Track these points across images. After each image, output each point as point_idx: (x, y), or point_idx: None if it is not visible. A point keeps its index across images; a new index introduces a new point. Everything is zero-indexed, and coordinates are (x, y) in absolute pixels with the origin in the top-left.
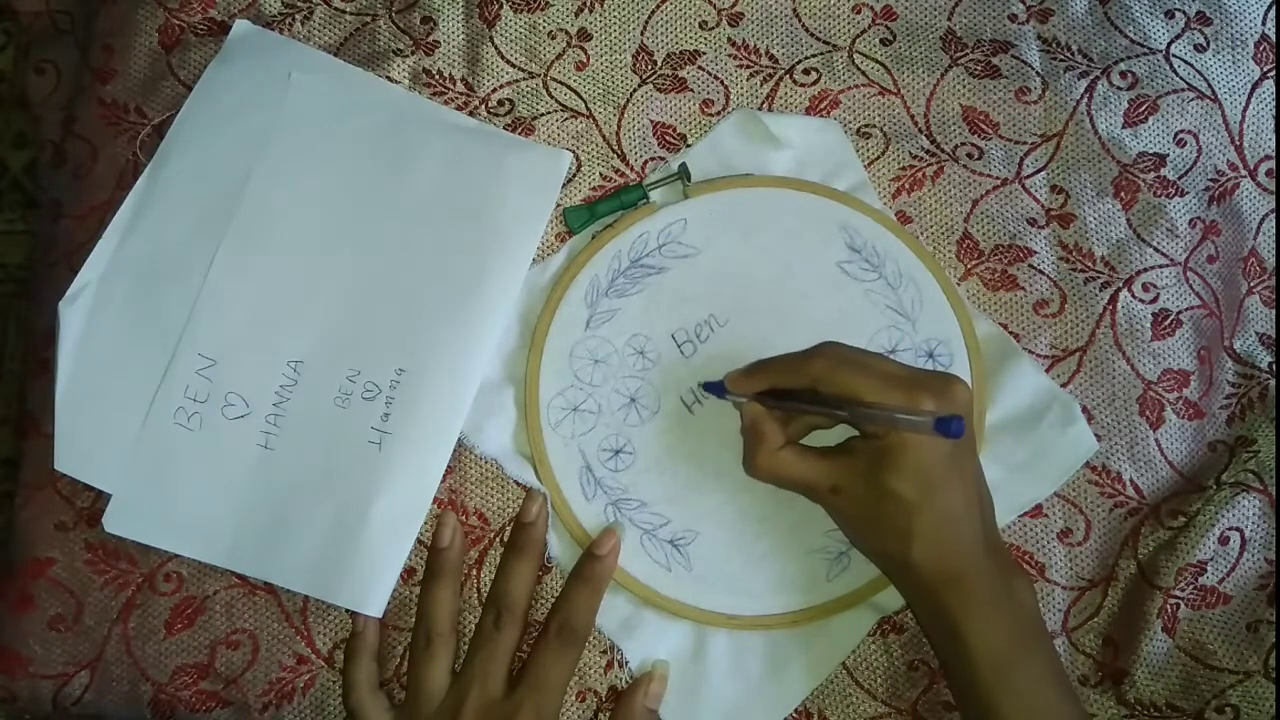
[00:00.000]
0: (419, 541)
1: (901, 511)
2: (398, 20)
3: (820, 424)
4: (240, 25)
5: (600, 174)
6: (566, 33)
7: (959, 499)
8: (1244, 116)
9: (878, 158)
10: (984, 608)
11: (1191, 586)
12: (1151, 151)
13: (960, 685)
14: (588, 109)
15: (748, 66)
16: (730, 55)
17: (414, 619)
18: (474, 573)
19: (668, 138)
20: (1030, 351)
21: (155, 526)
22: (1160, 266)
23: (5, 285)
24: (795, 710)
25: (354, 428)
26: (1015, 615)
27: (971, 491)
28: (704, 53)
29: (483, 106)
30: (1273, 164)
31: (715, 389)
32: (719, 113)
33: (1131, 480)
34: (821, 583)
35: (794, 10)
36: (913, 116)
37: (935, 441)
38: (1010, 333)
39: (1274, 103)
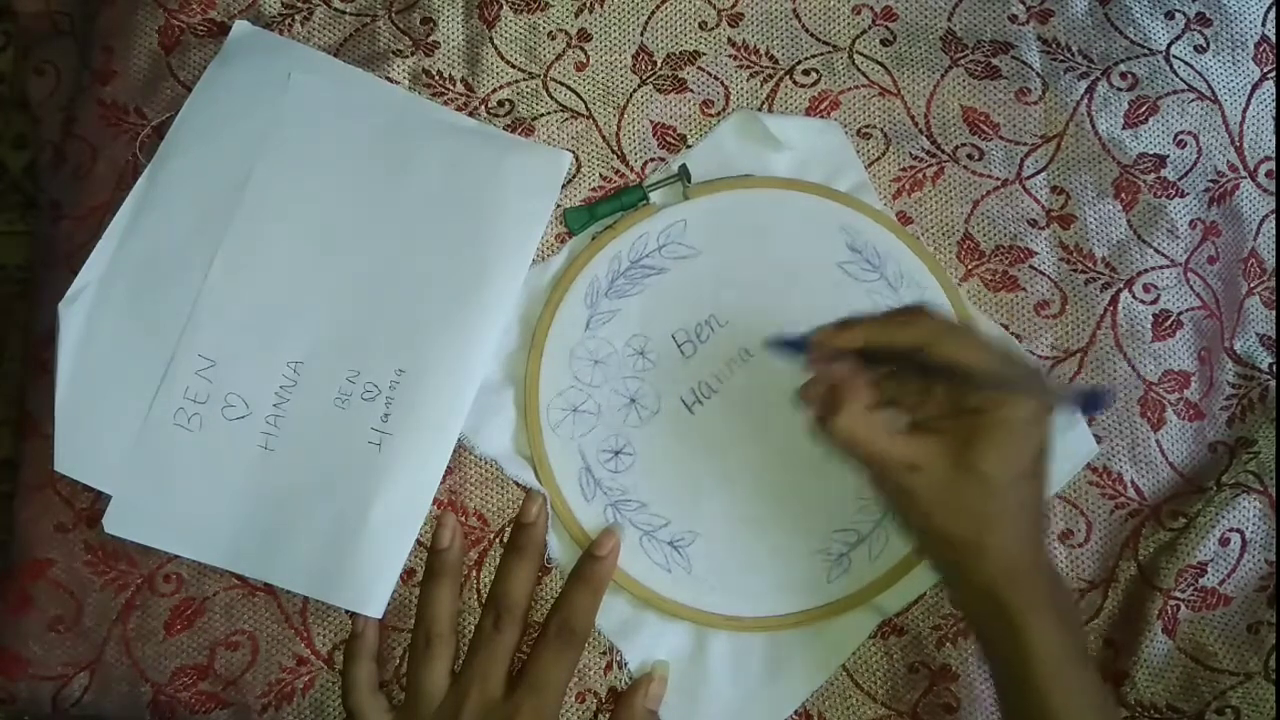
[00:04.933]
0: (419, 542)
1: (984, 495)
2: (397, 21)
3: (900, 396)
4: (240, 26)
5: (600, 175)
6: (566, 33)
7: (1038, 495)
8: (1244, 117)
9: (878, 158)
10: (1044, 605)
11: (1192, 588)
12: (1152, 152)
13: (1012, 683)
14: (588, 110)
15: (748, 67)
16: (730, 56)
17: (414, 620)
18: (474, 574)
19: (668, 138)
20: (1031, 352)
21: (155, 527)
22: (1161, 267)
23: (5, 285)
24: (795, 712)
25: (354, 428)
26: (1073, 616)
27: (1043, 490)
28: (704, 53)
29: (482, 107)
30: (1273, 165)
31: (791, 346)
32: (719, 113)
33: (1132, 481)
34: (822, 584)
35: (794, 11)
36: (913, 117)
37: (1035, 429)
38: (1011, 333)
39: (1274, 104)
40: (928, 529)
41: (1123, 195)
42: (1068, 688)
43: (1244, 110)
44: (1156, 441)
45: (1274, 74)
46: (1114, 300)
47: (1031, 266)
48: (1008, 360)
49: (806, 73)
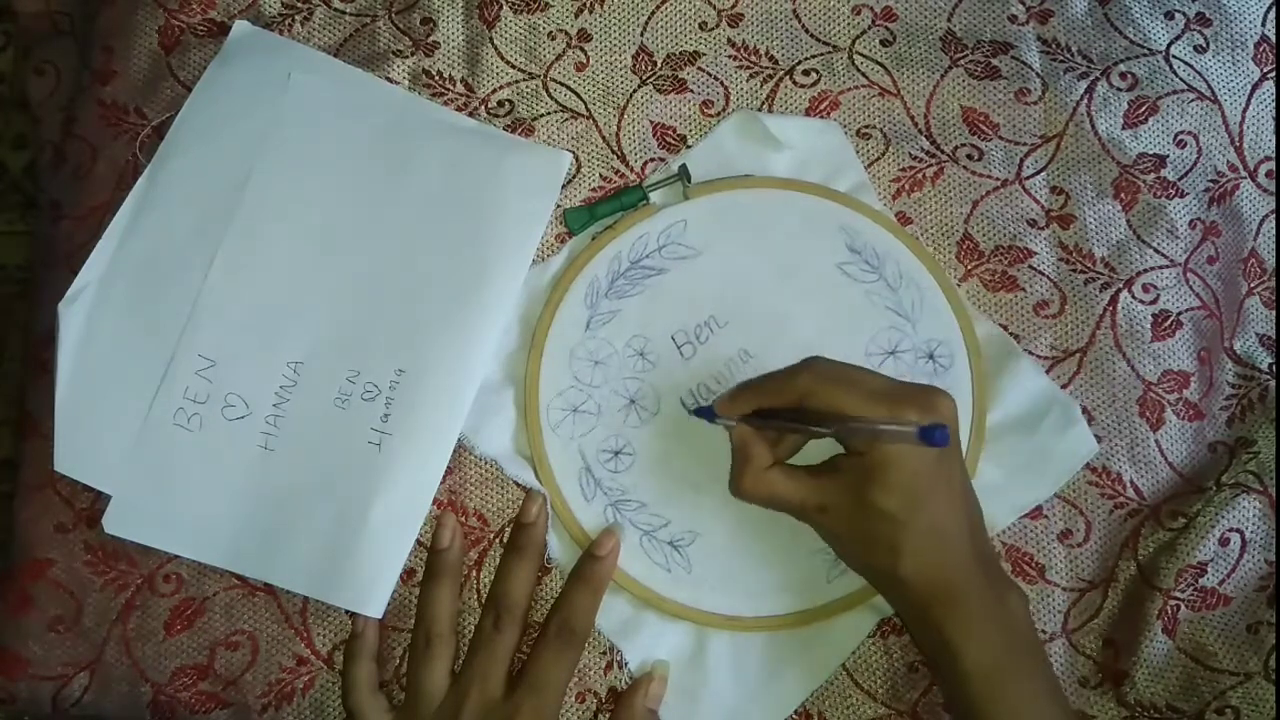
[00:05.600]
0: (419, 542)
1: (889, 527)
2: (397, 21)
3: (807, 441)
4: (240, 26)
5: (600, 175)
6: (566, 33)
7: (946, 512)
8: (1244, 117)
9: (878, 159)
10: (975, 621)
11: (1192, 588)
12: (1151, 152)
13: (953, 699)
14: (587, 110)
15: (748, 67)
16: (730, 56)
17: (414, 620)
18: (473, 574)
19: (668, 139)
20: (1030, 352)
21: (155, 527)
22: (1160, 267)
23: (5, 285)
24: (795, 711)
25: (354, 428)
26: (1007, 628)
27: (959, 504)
28: (704, 54)
29: (482, 107)
30: (1273, 165)
31: (706, 414)
32: (719, 114)
33: (1132, 481)
34: (821, 584)
35: (794, 11)
36: (913, 117)
37: (920, 455)
38: (1010, 334)
39: (1274, 104)
40: (853, 561)
41: (1122, 195)
42: (1006, 702)
43: (1244, 110)
44: (1156, 441)
45: (1274, 74)
46: (1113, 300)
47: (1031, 267)
48: (887, 395)
49: (806, 73)
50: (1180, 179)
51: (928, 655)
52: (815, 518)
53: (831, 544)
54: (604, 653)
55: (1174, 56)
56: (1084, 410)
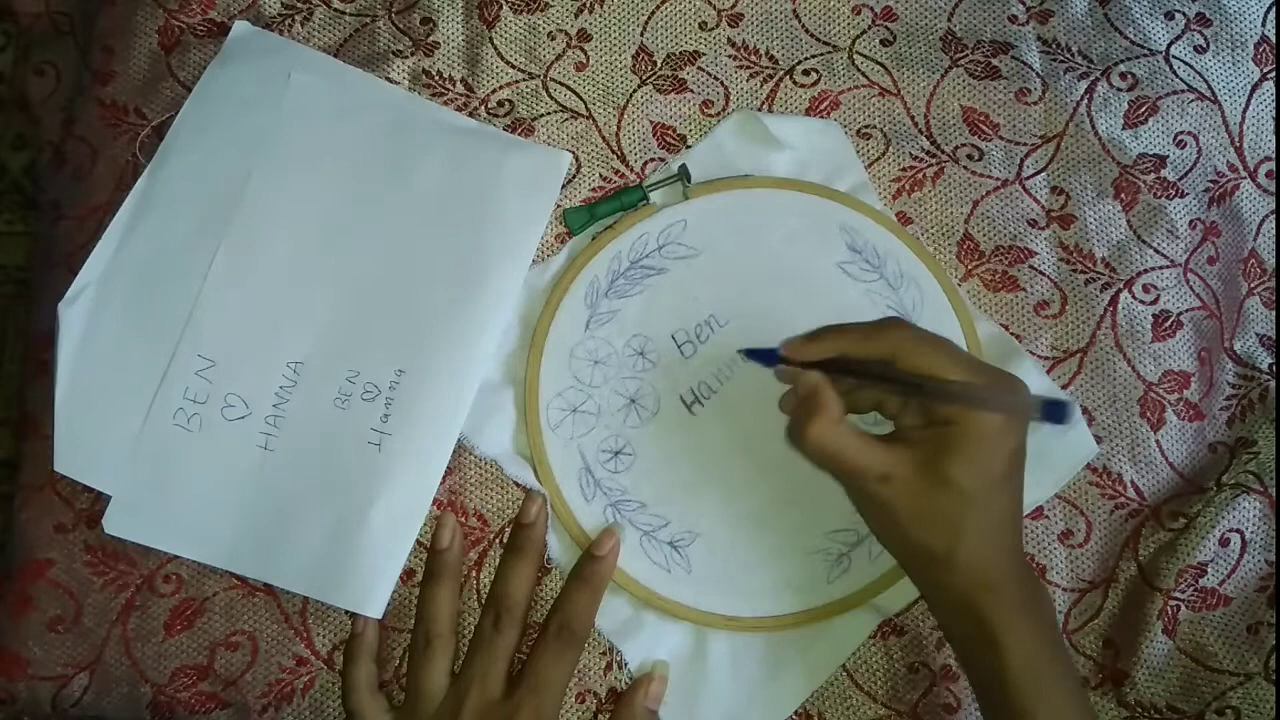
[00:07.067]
0: (418, 543)
1: (957, 504)
2: (397, 21)
3: (882, 404)
4: (240, 26)
5: (600, 175)
6: (566, 33)
7: (1011, 502)
8: (1244, 118)
9: (878, 159)
10: (1021, 615)
11: (1192, 588)
12: (1151, 153)
13: (990, 693)
14: (587, 110)
15: (748, 67)
16: (730, 56)
17: (414, 620)
18: (473, 574)
19: (667, 138)
20: (1031, 353)
21: (155, 528)
22: (1161, 268)
23: (5, 286)
24: (795, 712)
25: (353, 429)
26: (1048, 624)
27: (1018, 497)
28: (704, 53)
29: (482, 107)
30: (1273, 165)
31: (763, 356)
32: (719, 114)
33: (1132, 482)
34: (822, 585)
35: (794, 11)
36: (913, 117)
37: (1005, 438)
38: (1011, 334)
39: (1274, 104)
40: (901, 540)
41: (1123, 195)
42: (1045, 699)
43: (1244, 110)
44: (1156, 442)
45: (1274, 74)
46: (1114, 300)
47: (1031, 267)
48: (980, 370)
49: (806, 73)
50: (1180, 179)
51: (960, 646)
52: (873, 487)
53: (876, 518)
54: (604, 653)
55: (1174, 57)
56: (1084, 410)
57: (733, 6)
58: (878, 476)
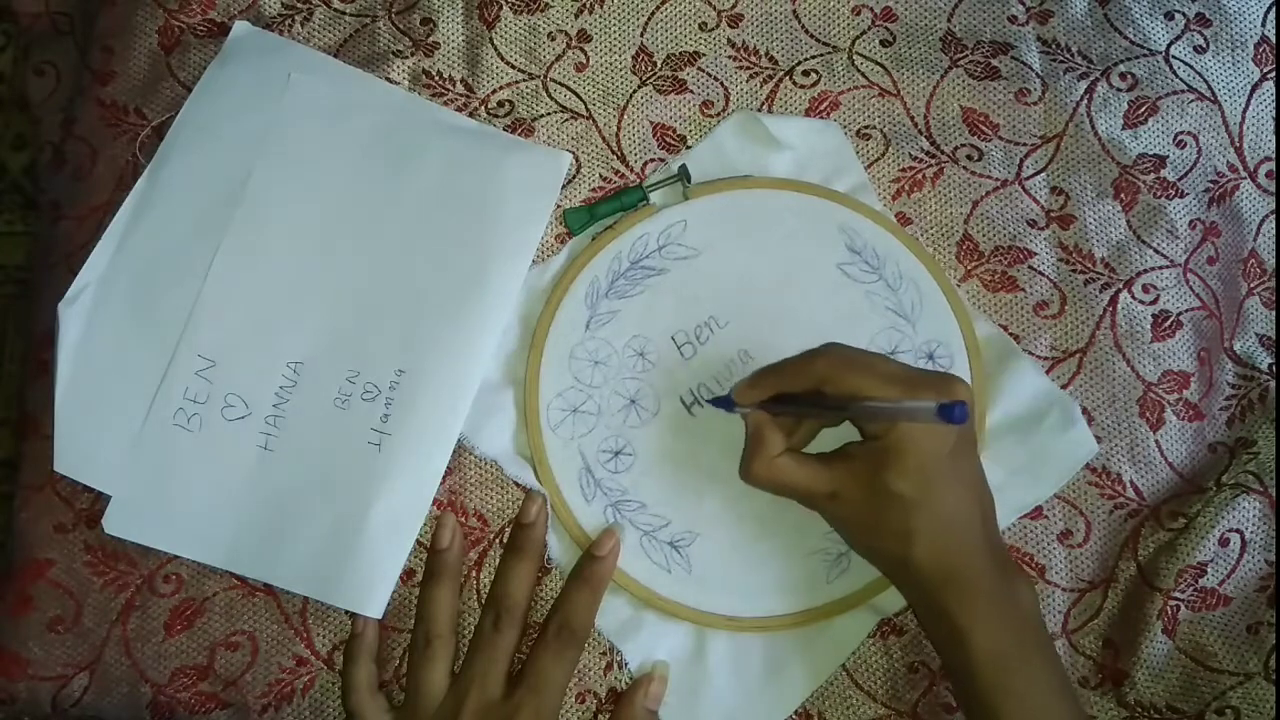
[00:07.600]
0: (418, 543)
1: (901, 511)
2: (397, 21)
3: (824, 426)
4: (240, 26)
5: (600, 175)
6: (566, 34)
7: (958, 498)
8: (1244, 118)
9: (878, 159)
10: (985, 609)
11: (1192, 588)
12: (1151, 153)
13: (962, 688)
14: (587, 110)
15: (747, 68)
16: (730, 57)
17: (414, 620)
18: (473, 574)
19: (667, 139)
20: (1030, 353)
21: (155, 528)
22: (1160, 268)
23: (5, 286)
24: (795, 712)
25: (353, 429)
26: (1016, 617)
27: (971, 491)
28: (704, 54)
29: (482, 107)
30: (1272, 165)
31: (723, 403)
32: (719, 114)
33: (1132, 482)
34: (821, 584)
35: (794, 12)
36: (913, 118)
37: (935, 439)
38: (1010, 334)
39: (1274, 104)
40: (865, 548)
41: (1122, 196)
42: (1015, 691)
43: (1244, 111)
44: (1156, 442)
45: (1274, 74)
46: (1113, 301)
47: (1031, 267)
48: (906, 379)
49: (806, 73)
50: (1180, 179)
51: (937, 645)
52: (825, 505)
53: (841, 532)
54: (604, 653)
55: (1174, 57)
56: (1084, 410)
57: (733, 7)
58: (825, 495)
